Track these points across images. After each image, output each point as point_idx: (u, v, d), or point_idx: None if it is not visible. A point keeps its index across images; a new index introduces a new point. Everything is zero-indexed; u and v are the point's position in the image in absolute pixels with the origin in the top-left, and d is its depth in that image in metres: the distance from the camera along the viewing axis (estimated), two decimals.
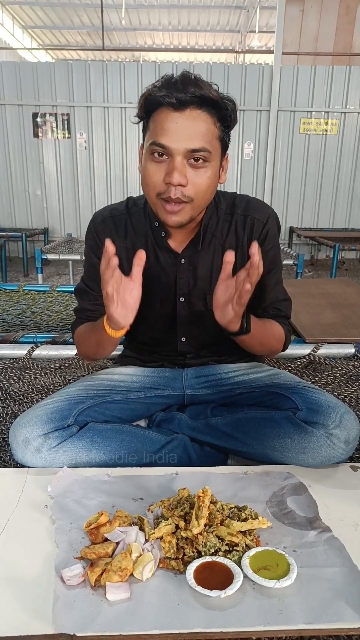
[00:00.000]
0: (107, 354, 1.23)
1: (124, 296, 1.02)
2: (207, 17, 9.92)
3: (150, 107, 1.03)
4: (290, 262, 4.02)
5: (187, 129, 1.00)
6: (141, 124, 1.11)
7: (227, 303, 1.02)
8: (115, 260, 0.96)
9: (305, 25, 7.39)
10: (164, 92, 0.99)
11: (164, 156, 1.02)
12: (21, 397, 1.64)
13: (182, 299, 1.22)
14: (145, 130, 1.08)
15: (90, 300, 1.27)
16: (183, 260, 1.20)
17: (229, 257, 0.99)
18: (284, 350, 1.31)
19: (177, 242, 1.20)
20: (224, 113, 1.04)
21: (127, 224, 1.22)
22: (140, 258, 1.01)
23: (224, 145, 1.09)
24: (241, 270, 0.97)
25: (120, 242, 1.18)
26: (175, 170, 1.00)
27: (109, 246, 0.95)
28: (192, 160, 1.02)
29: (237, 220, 1.20)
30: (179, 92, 0.98)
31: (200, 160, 1.02)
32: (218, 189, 1.18)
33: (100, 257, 1.14)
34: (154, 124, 1.03)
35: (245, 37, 10.49)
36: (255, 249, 0.93)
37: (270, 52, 7.37)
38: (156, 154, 1.02)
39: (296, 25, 7.33)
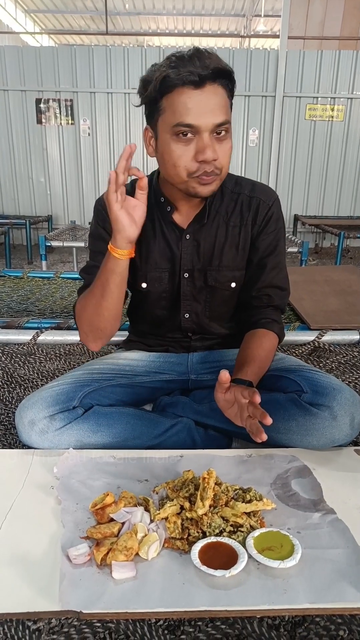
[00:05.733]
0: (111, 309, 1.13)
1: (129, 210, 1.04)
2: (212, 1, 9.78)
3: (166, 89, 1.00)
4: (295, 249, 3.97)
5: (210, 105, 1.00)
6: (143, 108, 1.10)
7: (237, 411, 1.03)
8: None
9: (311, 10, 7.27)
10: (183, 71, 0.98)
11: (189, 135, 1.02)
12: (26, 381, 1.65)
13: (186, 275, 1.23)
14: (154, 112, 1.05)
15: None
16: (188, 235, 1.20)
17: (224, 378, 1.00)
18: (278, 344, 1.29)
19: (182, 218, 1.21)
20: (232, 84, 1.05)
21: None
22: (141, 187, 1.04)
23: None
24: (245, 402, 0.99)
25: None
26: (208, 147, 1.01)
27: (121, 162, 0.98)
28: (215, 134, 1.03)
29: (243, 200, 1.21)
30: (197, 68, 0.98)
31: (223, 133, 1.04)
32: None
33: (110, 231, 1.12)
34: (172, 105, 1.01)
35: (250, 22, 10.35)
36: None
37: (276, 36, 7.30)
38: (181, 135, 1.02)
39: (302, 10, 7.21)
